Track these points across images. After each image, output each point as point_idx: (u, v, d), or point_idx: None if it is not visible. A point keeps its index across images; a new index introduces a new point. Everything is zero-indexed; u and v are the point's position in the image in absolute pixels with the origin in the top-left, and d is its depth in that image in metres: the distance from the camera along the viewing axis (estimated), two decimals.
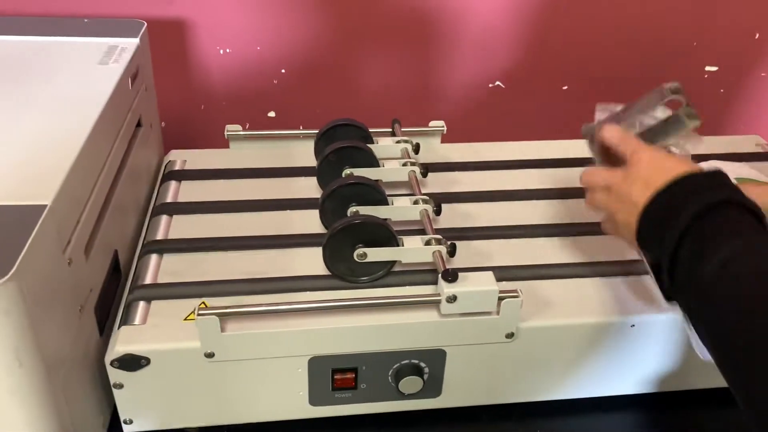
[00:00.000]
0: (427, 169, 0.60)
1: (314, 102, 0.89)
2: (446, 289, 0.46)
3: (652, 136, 0.47)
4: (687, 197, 0.38)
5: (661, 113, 0.48)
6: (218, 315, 0.45)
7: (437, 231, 0.53)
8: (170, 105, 0.84)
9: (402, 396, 0.50)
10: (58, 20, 0.63)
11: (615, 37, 0.87)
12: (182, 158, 0.66)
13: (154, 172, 0.66)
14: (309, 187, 0.62)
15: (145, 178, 0.63)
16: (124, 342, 0.45)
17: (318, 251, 0.53)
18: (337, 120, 0.63)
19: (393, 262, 0.51)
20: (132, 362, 0.45)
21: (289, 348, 0.47)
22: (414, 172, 0.60)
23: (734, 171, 0.56)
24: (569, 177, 0.63)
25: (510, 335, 0.48)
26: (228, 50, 0.85)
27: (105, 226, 0.49)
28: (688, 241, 0.37)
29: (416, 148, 0.63)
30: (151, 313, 0.48)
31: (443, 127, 0.69)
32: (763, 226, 0.37)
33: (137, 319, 0.47)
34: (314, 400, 0.50)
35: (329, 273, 0.51)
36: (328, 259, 0.50)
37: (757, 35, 0.89)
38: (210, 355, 0.46)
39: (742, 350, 0.33)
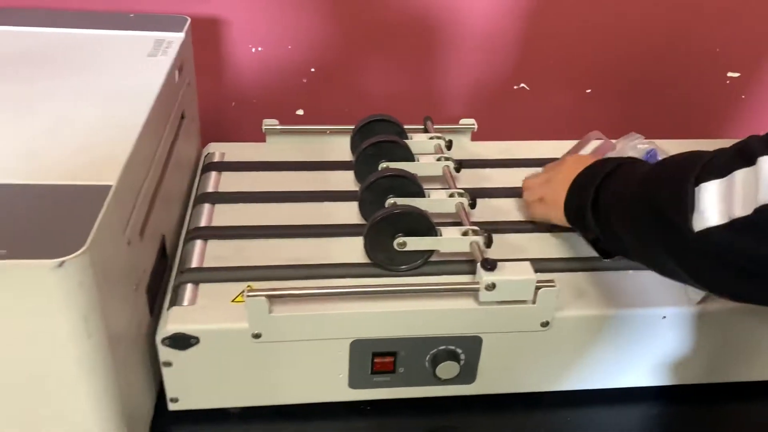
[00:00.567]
0: (460, 164, 0.62)
1: (342, 101, 0.90)
2: (485, 277, 0.47)
3: None
4: (597, 171, 0.50)
5: None
6: (267, 296, 0.46)
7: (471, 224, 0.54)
8: (202, 100, 0.87)
9: (438, 381, 0.52)
10: (106, 15, 0.65)
11: (638, 42, 0.89)
12: (221, 150, 0.68)
13: (193, 163, 0.68)
14: (344, 180, 0.64)
15: (186, 168, 0.65)
16: (175, 321, 0.47)
17: (356, 240, 0.55)
18: (373, 115, 0.65)
19: (431, 252, 0.53)
20: (182, 341, 0.47)
21: (332, 330, 0.48)
22: (448, 166, 0.61)
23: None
24: None
25: (545, 324, 0.50)
26: (260, 49, 0.87)
27: (155, 211, 0.51)
28: (602, 189, 0.48)
29: (449, 145, 0.65)
30: (199, 294, 0.50)
31: (474, 125, 0.71)
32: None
33: (186, 301, 0.49)
34: (354, 383, 0.51)
35: (368, 261, 0.53)
36: (368, 248, 0.52)
37: None
38: (257, 336, 0.48)
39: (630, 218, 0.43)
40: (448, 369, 0.50)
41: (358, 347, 0.50)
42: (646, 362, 0.53)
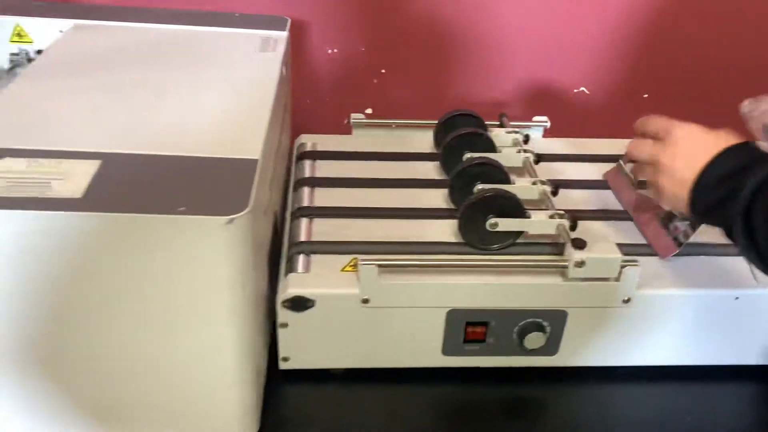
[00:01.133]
0: (539, 157, 0.67)
1: (408, 100, 0.96)
2: (575, 254, 0.52)
3: None
4: (745, 166, 0.45)
5: None
6: (377, 265, 0.52)
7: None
8: None
9: (523, 352, 0.56)
10: (214, 13, 0.71)
11: (695, 49, 0.93)
12: (312, 141, 0.74)
13: (288, 151, 0.74)
14: (427, 170, 0.69)
15: (284, 156, 0.71)
16: (294, 285, 0.53)
17: (445, 223, 0.60)
18: (456, 110, 0.71)
19: (519, 233, 0.57)
20: (299, 303, 0.53)
21: (432, 299, 0.54)
22: (528, 158, 0.66)
23: None
24: None
25: (627, 300, 0.54)
26: (335, 50, 0.93)
27: (271, 189, 0.57)
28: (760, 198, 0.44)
29: (526, 139, 0.70)
30: (312, 264, 0.55)
31: (547, 122, 0.76)
32: None
33: (300, 269, 0.55)
34: (447, 350, 0.56)
35: (459, 241, 0.58)
36: (462, 228, 0.57)
37: None
38: (366, 301, 0.53)
39: None
40: (534, 340, 0.55)
41: (453, 316, 0.54)
42: (721, 341, 0.57)
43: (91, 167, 0.42)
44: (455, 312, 0.54)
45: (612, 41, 0.92)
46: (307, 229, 0.59)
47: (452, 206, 0.63)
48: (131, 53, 0.61)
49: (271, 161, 0.54)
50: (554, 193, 0.61)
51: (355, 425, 0.55)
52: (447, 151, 0.66)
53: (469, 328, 0.55)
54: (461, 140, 0.66)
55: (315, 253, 0.57)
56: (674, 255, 0.57)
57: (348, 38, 0.92)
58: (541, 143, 0.75)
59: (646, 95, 0.98)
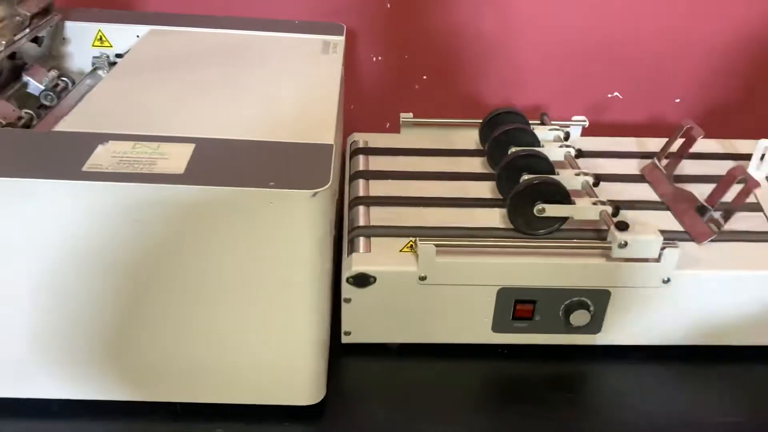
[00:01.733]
0: (580, 152, 0.71)
1: (449, 105, 1.01)
2: (619, 235, 0.56)
3: None
4: None
5: None
6: (435, 245, 0.56)
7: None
8: None
9: (568, 330, 0.60)
10: (276, 20, 0.77)
11: (728, 56, 0.96)
12: (363, 139, 0.79)
13: (341, 148, 0.79)
14: (473, 164, 0.74)
15: (340, 151, 0.76)
16: (358, 263, 0.57)
17: (492, 211, 0.64)
18: (500, 108, 0.75)
19: (564, 219, 0.62)
20: (363, 280, 0.57)
21: (484, 278, 0.58)
22: (570, 153, 0.71)
23: None
24: (699, 167, 0.74)
25: (666, 281, 0.58)
26: (380, 58, 0.98)
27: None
28: None
29: (566, 136, 0.74)
30: (372, 245, 0.60)
31: (585, 121, 0.80)
32: None
33: (362, 249, 0.59)
34: (496, 327, 0.60)
35: (507, 227, 0.62)
36: (511, 213, 0.61)
37: None
38: (423, 278, 0.57)
39: None
40: (580, 317, 0.59)
41: (503, 294, 0.59)
42: (756, 322, 0.61)
43: (187, 149, 0.48)
44: (505, 290, 0.59)
45: (644, 48, 0.96)
46: (365, 216, 0.64)
47: (498, 196, 0.67)
48: (206, 54, 0.66)
49: (339, 148, 0.59)
50: (596, 184, 0.65)
51: (411, 397, 0.59)
52: (494, 146, 0.71)
53: (518, 305, 0.59)
54: (507, 135, 0.70)
55: (374, 236, 0.61)
56: (710, 240, 0.61)
57: (392, 47, 0.97)
58: (579, 141, 0.80)
59: (678, 100, 1.01)
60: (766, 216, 0.66)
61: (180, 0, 0.88)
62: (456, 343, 0.62)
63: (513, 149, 0.69)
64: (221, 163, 0.47)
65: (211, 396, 0.53)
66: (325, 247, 0.48)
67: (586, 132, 0.83)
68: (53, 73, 0.67)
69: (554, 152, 0.70)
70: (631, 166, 0.75)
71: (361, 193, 0.68)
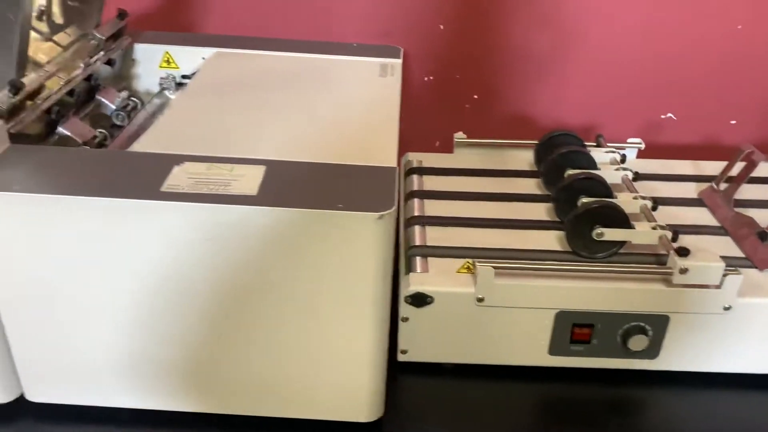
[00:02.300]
0: (637, 174, 0.71)
1: (499, 124, 1.01)
2: (680, 262, 0.56)
3: None
4: None
5: None
6: (494, 267, 0.57)
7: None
8: None
9: (626, 354, 0.60)
10: (335, 43, 0.79)
11: None
12: (417, 158, 0.80)
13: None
14: (527, 185, 0.74)
15: None
16: (416, 283, 0.58)
17: (548, 233, 0.65)
18: (556, 130, 0.76)
19: (623, 243, 0.62)
20: (420, 299, 0.58)
21: (543, 301, 0.58)
22: (627, 175, 0.70)
23: None
24: (759, 191, 0.72)
25: (728, 308, 0.57)
26: (431, 78, 1.00)
27: None
28: None
29: (623, 159, 0.74)
30: (429, 265, 0.61)
31: (641, 143, 0.80)
32: None
33: (419, 269, 0.60)
34: (553, 350, 0.61)
35: (564, 250, 0.63)
36: (569, 236, 0.62)
37: None
38: (480, 300, 0.58)
39: None
40: (638, 342, 0.59)
41: (561, 317, 0.59)
42: None
43: (258, 171, 0.50)
44: (563, 314, 0.59)
45: (698, 69, 0.95)
46: (421, 235, 0.65)
47: (554, 218, 0.67)
48: (269, 76, 0.69)
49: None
50: (654, 208, 0.65)
51: (466, 418, 0.59)
52: (549, 168, 0.71)
53: (575, 329, 0.59)
54: (563, 157, 0.70)
55: (431, 255, 0.62)
56: None
57: (443, 67, 0.98)
58: (635, 163, 0.79)
59: (733, 122, 1.00)
60: None
61: (241, 23, 0.92)
62: (511, 365, 0.62)
63: (569, 171, 0.69)
64: (291, 185, 0.49)
65: (274, 410, 0.55)
66: (388, 267, 0.49)
67: (642, 154, 0.83)
68: (124, 94, 0.70)
69: (611, 175, 0.70)
70: (688, 190, 0.74)
71: (417, 213, 0.69)
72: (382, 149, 0.55)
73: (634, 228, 0.61)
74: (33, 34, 0.60)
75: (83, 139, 0.61)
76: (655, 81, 0.97)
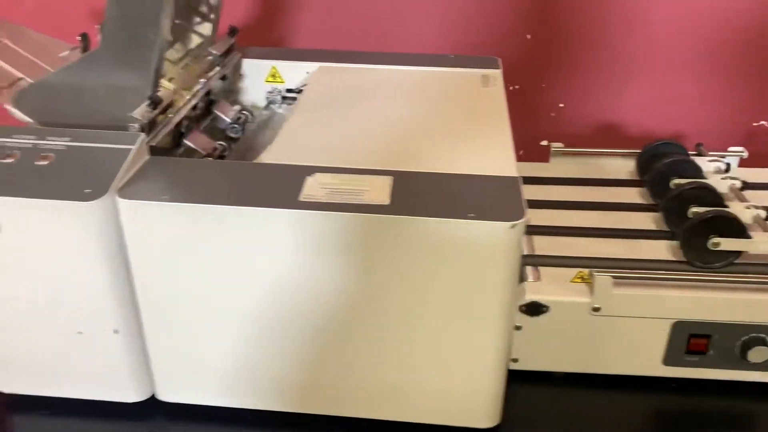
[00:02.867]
0: (745, 183, 0.70)
1: (584, 133, 1.01)
2: None
3: None
4: None
5: None
6: (612, 277, 0.57)
7: None
8: None
9: (743, 366, 0.59)
10: (432, 55, 0.81)
11: None
12: None
13: None
14: (627, 194, 0.74)
15: None
16: (531, 292, 0.59)
17: (659, 243, 0.64)
18: (659, 140, 0.75)
19: (739, 253, 0.61)
20: (535, 308, 0.59)
21: (660, 311, 0.58)
22: (735, 184, 0.69)
23: None
24: None
25: None
26: (517, 86, 1.00)
27: None
28: None
29: (727, 168, 0.73)
30: (541, 274, 0.62)
31: (744, 152, 0.78)
32: None
33: (531, 278, 0.61)
34: (668, 361, 0.60)
35: (677, 259, 0.62)
36: (684, 246, 0.61)
37: None
38: (596, 309, 0.58)
39: None
40: (758, 353, 0.58)
41: (678, 328, 0.58)
42: None
43: (387, 181, 0.51)
44: (681, 324, 0.58)
45: None
46: (528, 244, 0.66)
47: (660, 227, 0.67)
48: (376, 89, 0.71)
49: None
50: (767, 218, 0.64)
51: (579, 427, 0.59)
52: (655, 177, 0.71)
53: (692, 339, 0.59)
54: (669, 167, 0.70)
55: (541, 265, 0.63)
56: None
57: (530, 76, 0.99)
58: (737, 172, 0.78)
59: None
60: None
61: (339, 38, 0.95)
62: (623, 374, 0.62)
63: (676, 180, 0.69)
64: (419, 195, 0.50)
65: (397, 414, 0.56)
66: (515, 275, 0.50)
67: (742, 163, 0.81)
68: (237, 107, 0.73)
69: (718, 184, 0.69)
70: None
71: None
72: (501, 159, 0.56)
73: (751, 238, 0.60)
74: None
75: (206, 151, 0.64)
76: (748, 88, 0.95)
